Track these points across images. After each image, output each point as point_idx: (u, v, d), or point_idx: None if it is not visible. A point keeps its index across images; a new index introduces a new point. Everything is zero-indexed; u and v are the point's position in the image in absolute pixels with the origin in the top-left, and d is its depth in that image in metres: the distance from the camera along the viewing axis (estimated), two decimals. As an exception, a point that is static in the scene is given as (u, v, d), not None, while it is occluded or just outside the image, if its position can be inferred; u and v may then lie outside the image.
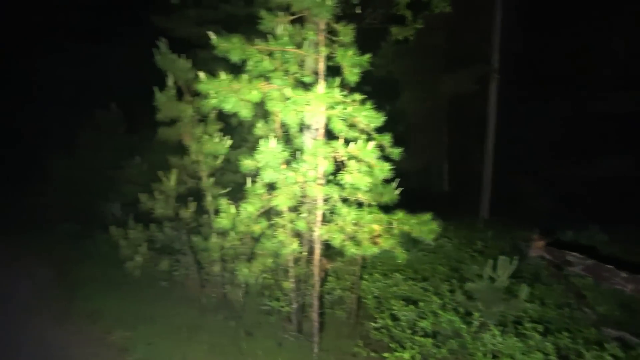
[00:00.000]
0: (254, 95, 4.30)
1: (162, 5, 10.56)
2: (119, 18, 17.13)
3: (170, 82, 5.96)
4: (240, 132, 8.43)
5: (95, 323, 6.21)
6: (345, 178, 4.27)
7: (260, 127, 5.45)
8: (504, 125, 13.81)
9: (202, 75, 4.29)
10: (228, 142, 6.25)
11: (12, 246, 9.83)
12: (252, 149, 8.79)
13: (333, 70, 4.87)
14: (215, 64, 8.70)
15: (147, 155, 10.50)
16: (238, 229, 5.07)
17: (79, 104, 15.75)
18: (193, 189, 6.78)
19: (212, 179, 6.51)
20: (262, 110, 5.41)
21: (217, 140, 6.16)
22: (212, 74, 6.39)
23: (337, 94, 4.13)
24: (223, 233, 5.90)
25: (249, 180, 6.16)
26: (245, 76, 4.45)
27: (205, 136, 6.15)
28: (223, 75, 4.28)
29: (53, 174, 10.99)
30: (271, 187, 4.96)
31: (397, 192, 5.84)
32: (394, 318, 5.65)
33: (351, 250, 4.35)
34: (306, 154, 4.47)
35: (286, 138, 5.52)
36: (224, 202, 4.92)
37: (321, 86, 4.11)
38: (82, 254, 9.04)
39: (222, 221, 4.73)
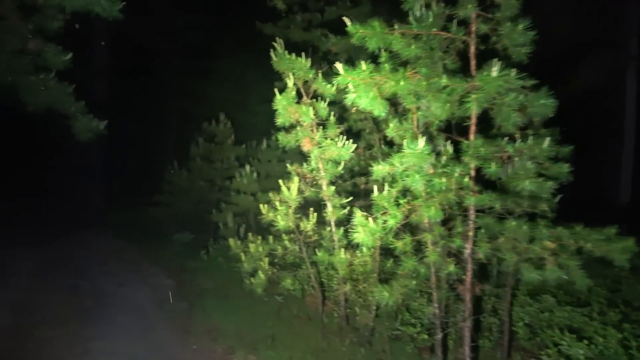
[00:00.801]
0: (401, 87, 3.53)
1: (268, 13, 10.38)
2: (225, 34, 17.60)
3: (290, 83, 5.42)
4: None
5: (216, 340, 5.80)
6: (524, 184, 3.32)
7: (393, 128, 4.66)
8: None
9: (339, 66, 3.59)
10: (352, 146, 5.56)
11: (131, 255, 10.04)
12: (363, 154, 8.15)
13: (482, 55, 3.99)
14: (323, 67, 8.16)
15: (256, 165, 10.28)
16: (371, 244, 4.30)
17: (190, 117, 16.30)
18: (311, 199, 6.19)
19: (332, 188, 5.86)
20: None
21: (340, 144, 5.49)
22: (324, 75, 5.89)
23: (513, 77, 3.21)
24: (350, 247, 5.20)
25: (375, 189, 5.41)
26: (387, 66, 3.69)
27: (327, 140, 5.52)
28: (363, 65, 3.56)
29: (168, 184, 11.16)
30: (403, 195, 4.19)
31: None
32: (565, 355, 4.51)
33: (530, 275, 3.38)
34: (465, 155, 3.59)
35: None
36: (358, 213, 4.18)
37: (495, 69, 3.22)
38: (197, 264, 8.91)
39: (360, 236, 3.98)
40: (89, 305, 6.68)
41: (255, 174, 9.62)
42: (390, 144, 8.70)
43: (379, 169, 4.26)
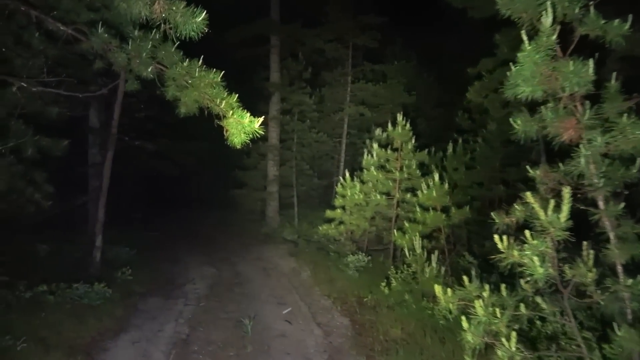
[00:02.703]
0: None
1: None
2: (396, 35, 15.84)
3: (546, 22, 2.99)
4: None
5: None
6: None
7: None
8: None
9: None
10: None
11: (302, 280, 8.59)
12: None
13: None
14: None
15: (441, 171, 7.93)
16: None
17: (364, 125, 14.77)
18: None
19: (619, 206, 3.21)
20: None
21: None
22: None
23: None
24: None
25: None
26: None
27: (623, 119, 2.93)
28: None
29: (341, 198, 9.51)
30: None
31: None
32: None
33: None
34: None
35: None
36: None
37: None
38: (377, 297, 6.90)
39: None
40: (250, 351, 5.16)
41: (446, 185, 7.25)
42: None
43: None
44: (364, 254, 8.96)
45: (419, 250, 6.61)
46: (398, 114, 9.08)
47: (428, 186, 7.30)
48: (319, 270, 8.67)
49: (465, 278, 3.68)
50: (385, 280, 7.09)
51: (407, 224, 7.47)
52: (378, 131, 10.05)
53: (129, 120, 9.80)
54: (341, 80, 14.51)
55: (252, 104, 14.95)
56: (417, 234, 6.88)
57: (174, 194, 16.62)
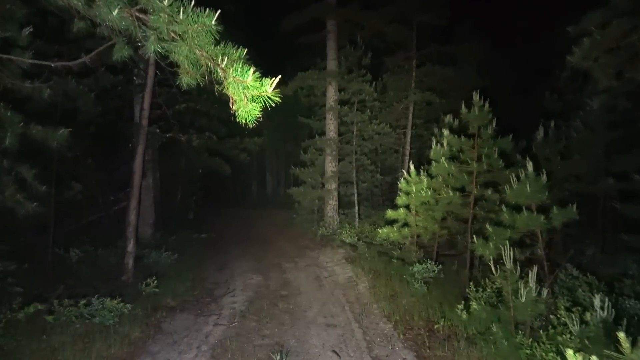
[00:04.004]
0: None
1: None
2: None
3: None
4: None
5: None
6: None
7: None
8: None
9: None
10: None
11: (359, 293, 7.10)
12: None
13: None
14: None
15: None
16: None
17: (429, 112, 12.93)
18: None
19: None
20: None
21: None
22: None
23: None
24: None
25: None
26: None
27: None
28: None
29: (405, 196, 7.86)
30: None
31: None
32: None
33: None
34: None
35: None
36: None
37: None
38: (452, 322, 5.26)
39: None
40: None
41: (543, 177, 5.38)
42: None
43: None
44: (433, 262, 7.28)
45: (509, 265, 4.83)
46: (474, 93, 7.24)
47: (518, 179, 5.48)
48: (379, 282, 7.12)
49: (621, 336, 1.99)
50: (463, 301, 5.38)
51: (489, 228, 5.69)
52: (449, 117, 8.28)
53: (174, 114, 8.90)
54: (405, 65, 12.75)
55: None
56: (506, 241, 5.08)
57: (229, 193, 15.83)
